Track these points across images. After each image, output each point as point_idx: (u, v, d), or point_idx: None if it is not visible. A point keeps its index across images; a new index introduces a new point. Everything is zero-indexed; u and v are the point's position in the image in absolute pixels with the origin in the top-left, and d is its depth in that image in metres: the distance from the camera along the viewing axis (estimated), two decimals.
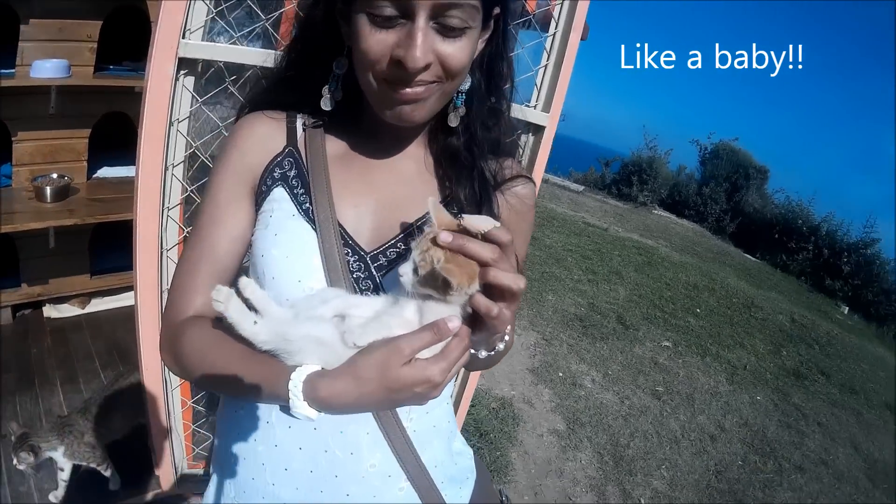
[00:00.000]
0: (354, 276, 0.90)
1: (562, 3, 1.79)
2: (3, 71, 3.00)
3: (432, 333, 0.72)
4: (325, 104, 0.93)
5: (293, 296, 0.86)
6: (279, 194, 0.94)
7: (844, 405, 5.14)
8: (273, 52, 1.54)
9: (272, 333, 0.77)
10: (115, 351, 3.28)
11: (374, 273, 0.91)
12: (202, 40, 1.50)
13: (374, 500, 0.94)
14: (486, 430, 3.46)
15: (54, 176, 3.23)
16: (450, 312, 0.73)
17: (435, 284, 0.71)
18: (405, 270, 0.74)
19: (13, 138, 3.14)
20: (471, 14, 0.79)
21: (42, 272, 3.36)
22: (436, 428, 1.03)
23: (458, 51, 0.80)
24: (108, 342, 3.35)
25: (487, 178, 0.97)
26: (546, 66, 1.84)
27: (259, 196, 0.95)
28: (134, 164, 3.48)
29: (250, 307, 0.79)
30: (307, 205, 0.92)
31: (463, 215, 0.75)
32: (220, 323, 0.85)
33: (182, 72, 1.49)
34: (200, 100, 1.55)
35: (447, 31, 0.78)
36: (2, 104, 2.98)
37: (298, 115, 1.00)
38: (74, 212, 3.07)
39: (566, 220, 9.10)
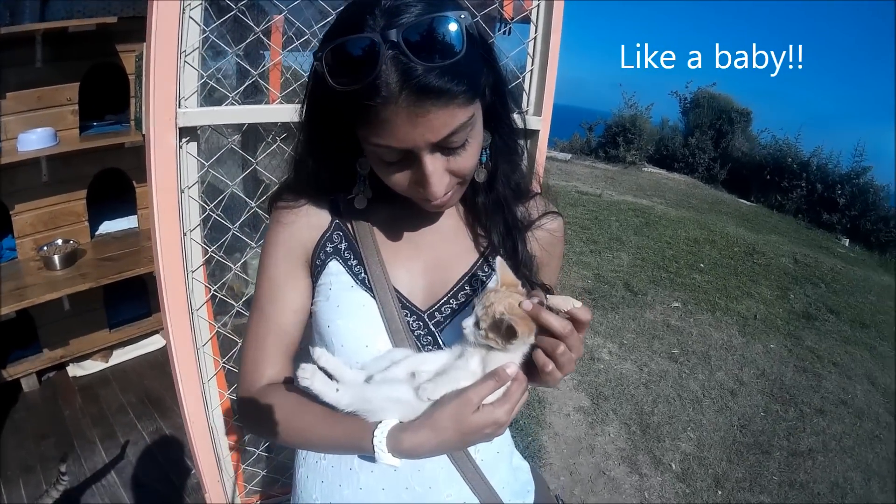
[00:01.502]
0: (415, 334, 0.98)
1: (538, 5, 1.80)
2: None
3: (494, 381, 0.82)
4: (359, 203, 1.00)
5: (362, 359, 0.95)
6: (335, 268, 1.02)
7: (857, 341, 5.17)
8: (268, 107, 1.59)
9: (353, 398, 0.88)
10: (146, 399, 3.35)
11: (433, 329, 0.98)
12: (198, 106, 1.53)
13: None
14: (514, 417, 3.53)
15: (59, 242, 3.27)
16: (509, 360, 0.83)
17: (498, 333, 0.80)
18: (468, 324, 0.85)
19: (11, 212, 3.17)
20: (468, 122, 0.82)
21: (61, 335, 3.41)
22: (499, 454, 1.11)
23: (467, 158, 0.86)
24: (138, 391, 3.42)
25: (515, 223, 1.03)
26: (532, 70, 1.86)
27: (314, 269, 1.04)
28: (133, 215, 3.55)
29: (326, 373, 0.89)
30: (362, 274, 1.00)
31: (548, 296, 0.83)
32: (294, 387, 0.95)
33: (184, 139, 1.52)
34: (206, 164, 1.59)
35: (453, 151, 0.84)
36: None
37: (339, 194, 1.07)
38: (87, 275, 3.12)
39: (559, 191, 8.80)
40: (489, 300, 0.83)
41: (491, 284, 0.89)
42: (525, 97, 1.89)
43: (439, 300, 1.00)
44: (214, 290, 1.72)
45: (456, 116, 0.79)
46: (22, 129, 3.00)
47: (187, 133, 1.53)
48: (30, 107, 3.05)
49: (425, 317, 0.99)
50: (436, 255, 1.04)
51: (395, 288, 0.99)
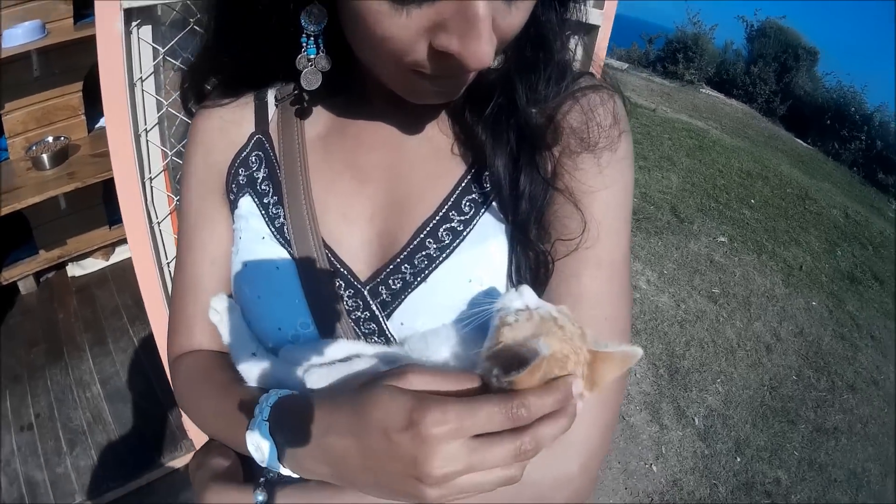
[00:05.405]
0: (353, 316, 0.66)
1: None
2: None
3: (455, 378, 0.50)
4: (308, 82, 0.62)
5: (275, 346, 0.67)
6: (247, 207, 0.72)
7: None
8: None
9: (270, 372, 0.64)
10: (142, 301, 3.19)
11: (377, 312, 0.65)
12: None
13: None
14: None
15: (49, 140, 3.03)
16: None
17: (505, 355, 0.49)
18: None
19: (1, 111, 2.93)
20: None
21: (58, 234, 3.24)
22: None
23: (519, 15, 0.53)
24: (135, 292, 3.23)
25: (532, 128, 0.65)
26: None
27: (230, 205, 0.74)
28: None
29: None
30: (280, 219, 0.69)
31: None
32: (217, 357, 0.71)
33: (134, 23, 1.26)
34: (163, 50, 1.32)
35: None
36: None
37: (270, 88, 0.75)
38: (75, 174, 2.90)
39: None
40: (548, 311, 0.52)
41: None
42: None
43: (386, 265, 0.66)
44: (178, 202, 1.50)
45: None
46: (12, 24, 2.73)
47: (138, 14, 1.26)
48: (18, 0, 2.78)
49: (365, 292, 0.65)
50: (393, 189, 0.69)
51: (324, 242, 0.67)
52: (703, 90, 11.89)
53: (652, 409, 3.18)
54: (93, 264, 3.47)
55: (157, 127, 1.39)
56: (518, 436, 0.46)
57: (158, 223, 1.49)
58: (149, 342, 2.81)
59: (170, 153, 1.44)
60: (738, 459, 3.00)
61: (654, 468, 2.85)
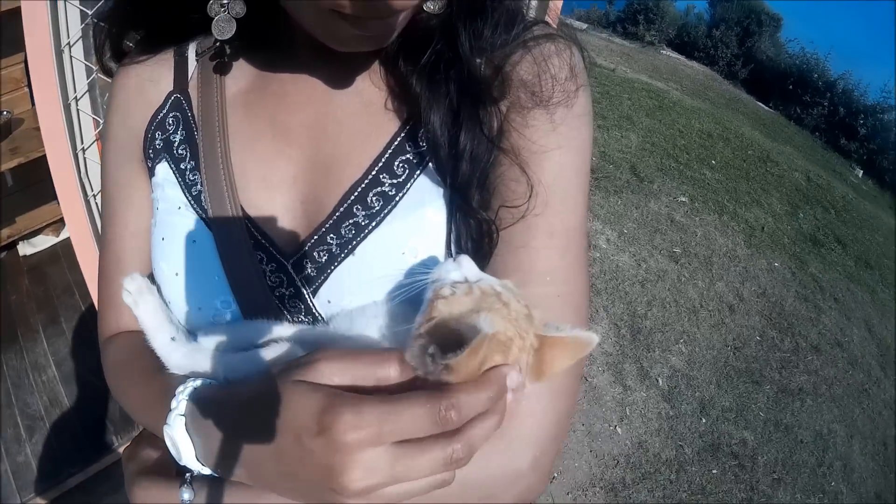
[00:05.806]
0: (276, 293, 0.60)
1: None
2: None
3: (373, 363, 0.44)
4: (220, 30, 0.56)
5: (196, 327, 0.62)
6: (163, 174, 0.65)
7: (860, 280, 4.96)
8: None
9: (190, 359, 0.57)
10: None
11: (303, 289, 0.60)
12: None
13: None
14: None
15: None
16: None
17: (439, 329, 0.43)
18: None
19: None
20: None
21: (7, 213, 3.11)
22: None
23: None
24: None
25: (475, 80, 0.58)
26: None
27: (149, 174, 0.68)
28: None
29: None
30: (198, 187, 0.62)
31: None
32: (145, 340, 0.63)
33: None
34: (91, 12, 1.25)
35: None
36: None
37: (191, 43, 0.68)
38: (18, 149, 2.78)
39: None
40: (490, 285, 0.47)
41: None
42: None
43: (311, 236, 0.60)
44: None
45: None
46: None
47: None
48: None
49: (289, 266, 0.60)
50: (319, 149, 0.62)
51: (242, 210, 0.61)
52: (664, 52, 11.98)
53: (615, 369, 3.19)
54: (43, 241, 3.36)
55: (87, 94, 1.31)
56: (448, 441, 0.41)
57: (94, 196, 1.42)
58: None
59: (101, 122, 1.37)
60: (704, 420, 3.04)
61: (619, 430, 2.87)
